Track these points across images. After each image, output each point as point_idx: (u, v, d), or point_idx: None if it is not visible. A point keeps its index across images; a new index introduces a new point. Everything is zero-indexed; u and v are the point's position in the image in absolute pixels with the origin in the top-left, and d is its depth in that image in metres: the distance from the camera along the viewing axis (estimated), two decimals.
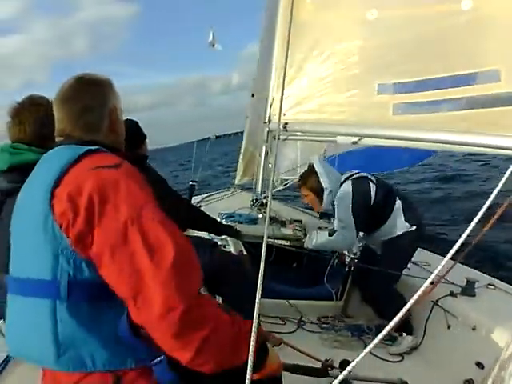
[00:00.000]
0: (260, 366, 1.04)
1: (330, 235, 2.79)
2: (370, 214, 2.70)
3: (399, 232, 2.69)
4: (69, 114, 1.13)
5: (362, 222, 2.69)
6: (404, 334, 2.49)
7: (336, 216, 2.73)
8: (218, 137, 5.69)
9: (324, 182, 2.76)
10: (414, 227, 2.68)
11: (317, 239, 2.86)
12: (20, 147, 1.55)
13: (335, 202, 2.74)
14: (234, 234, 2.86)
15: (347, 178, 2.78)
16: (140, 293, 0.86)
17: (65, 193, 0.92)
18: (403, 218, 2.68)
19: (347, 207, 2.65)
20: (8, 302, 1.03)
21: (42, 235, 0.94)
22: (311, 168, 2.86)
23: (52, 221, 0.92)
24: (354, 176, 2.79)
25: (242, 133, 5.40)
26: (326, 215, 3.00)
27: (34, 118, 1.58)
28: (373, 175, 2.86)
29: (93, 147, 1.03)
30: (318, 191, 2.79)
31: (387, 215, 2.70)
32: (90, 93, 1.15)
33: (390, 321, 0.82)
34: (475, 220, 0.98)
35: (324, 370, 1.39)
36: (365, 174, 2.81)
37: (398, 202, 2.72)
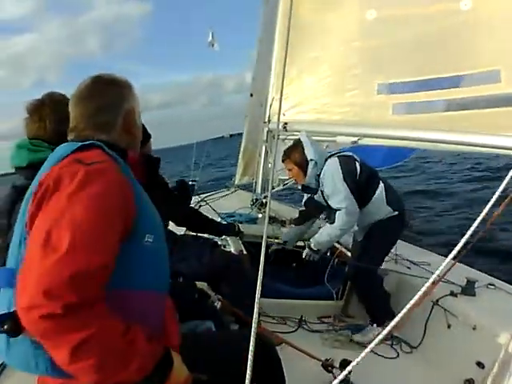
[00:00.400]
0: (163, 379, 0.97)
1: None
2: (355, 191, 2.62)
3: (383, 216, 2.66)
4: (82, 113, 1.13)
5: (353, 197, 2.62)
6: (375, 324, 2.57)
7: (331, 192, 2.64)
8: (231, 135, 5.70)
9: (309, 153, 2.70)
10: (397, 212, 2.66)
11: (320, 237, 2.75)
12: (40, 144, 1.54)
13: (324, 180, 2.67)
14: (236, 232, 2.85)
15: (332, 155, 2.74)
16: (21, 280, 0.85)
17: (40, 183, 0.96)
18: (385, 202, 2.65)
19: (340, 180, 2.58)
20: None
21: (20, 225, 0.98)
22: (296, 142, 2.81)
23: (26, 214, 0.96)
24: (340, 154, 2.76)
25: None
26: (309, 189, 2.83)
27: (54, 115, 1.57)
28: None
29: (87, 142, 1.03)
30: (303, 164, 2.72)
31: (369, 196, 2.65)
32: (105, 92, 1.15)
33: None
34: (477, 221, 0.98)
35: None
36: (350, 153, 2.76)
37: (381, 186, 2.67)
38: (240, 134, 5.43)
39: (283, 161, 2.86)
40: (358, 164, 2.68)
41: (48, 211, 0.90)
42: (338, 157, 2.70)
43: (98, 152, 1.02)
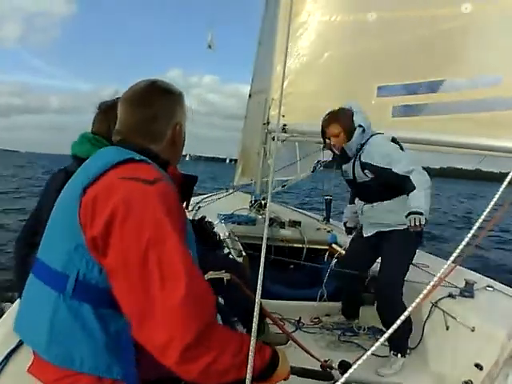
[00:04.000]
0: (269, 377, 1.03)
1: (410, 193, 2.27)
2: None
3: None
4: (133, 118, 1.10)
5: None
6: (399, 355, 2.32)
7: (391, 159, 2.33)
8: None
9: (359, 119, 2.44)
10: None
11: (416, 201, 2.22)
12: (101, 141, 1.65)
13: (378, 149, 2.40)
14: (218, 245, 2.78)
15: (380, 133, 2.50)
16: (147, 318, 0.86)
17: (93, 194, 0.93)
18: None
19: (397, 148, 2.36)
20: (28, 278, 1.06)
21: (66, 227, 0.96)
22: (344, 108, 2.51)
23: (77, 216, 0.93)
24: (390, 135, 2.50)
25: None
26: (342, 156, 2.51)
27: (115, 118, 1.68)
28: None
29: (137, 156, 1.01)
30: (351, 130, 2.43)
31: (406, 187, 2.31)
32: (160, 101, 1.11)
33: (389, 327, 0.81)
34: (476, 225, 0.98)
35: (329, 374, 1.39)
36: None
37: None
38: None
39: (329, 124, 2.50)
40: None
41: (135, 239, 0.88)
42: (389, 135, 2.47)
43: (148, 166, 1.01)
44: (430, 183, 2.27)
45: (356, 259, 2.67)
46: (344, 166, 2.57)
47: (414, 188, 2.23)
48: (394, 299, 2.29)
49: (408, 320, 2.30)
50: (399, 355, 2.32)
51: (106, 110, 1.73)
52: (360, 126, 2.41)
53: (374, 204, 2.50)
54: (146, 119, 1.09)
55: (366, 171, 2.43)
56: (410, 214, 2.20)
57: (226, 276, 1.85)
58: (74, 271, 0.93)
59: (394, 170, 2.30)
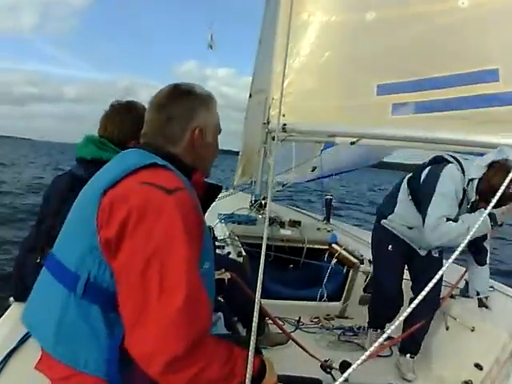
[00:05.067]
0: None
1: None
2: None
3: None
4: (154, 120, 1.11)
5: None
6: (408, 355, 2.33)
7: None
8: None
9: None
10: None
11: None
12: (106, 144, 1.67)
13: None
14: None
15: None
16: (138, 325, 0.86)
17: (112, 196, 0.93)
18: None
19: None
20: (41, 272, 1.07)
21: (82, 227, 0.96)
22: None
23: (94, 218, 0.93)
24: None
25: None
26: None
27: (131, 122, 1.69)
28: None
29: (159, 161, 1.00)
30: None
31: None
32: (178, 102, 1.10)
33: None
34: (478, 223, 0.98)
35: (317, 381, 1.37)
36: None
37: None
38: None
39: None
40: None
41: (142, 247, 0.87)
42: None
43: (170, 173, 1.00)
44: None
45: None
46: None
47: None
48: None
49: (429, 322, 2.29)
50: (415, 357, 2.33)
51: (112, 113, 1.74)
52: None
53: None
54: (163, 121, 1.09)
55: None
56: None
57: (226, 276, 1.84)
58: (86, 272, 0.93)
59: None
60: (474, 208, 2.09)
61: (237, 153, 5.58)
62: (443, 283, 2.36)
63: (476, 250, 2.28)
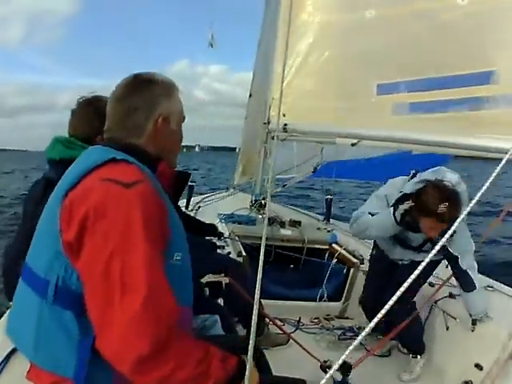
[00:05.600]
0: None
1: None
2: None
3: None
4: (115, 113, 1.07)
5: None
6: (418, 356, 2.36)
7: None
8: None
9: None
10: None
11: None
12: (74, 142, 1.61)
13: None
14: (217, 234, 2.81)
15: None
16: (104, 326, 0.85)
17: (71, 198, 0.91)
18: None
19: None
20: (18, 282, 1.05)
21: (48, 232, 0.95)
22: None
23: (57, 222, 0.92)
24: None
25: None
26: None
27: (97, 117, 1.57)
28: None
29: (118, 156, 0.97)
30: None
31: None
32: (139, 92, 1.06)
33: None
34: (458, 220, 1.00)
35: (301, 381, 1.36)
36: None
37: None
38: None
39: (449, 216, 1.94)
40: None
41: (102, 246, 0.86)
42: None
43: (129, 166, 0.97)
44: None
45: None
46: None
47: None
48: None
49: (418, 320, 2.35)
50: (419, 356, 2.35)
51: (77, 110, 1.68)
52: None
53: None
54: (124, 112, 1.05)
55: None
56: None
57: (224, 280, 1.84)
58: (54, 276, 0.92)
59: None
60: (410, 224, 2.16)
61: (233, 149, 5.52)
62: (434, 280, 2.50)
63: (457, 275, 2.21)
